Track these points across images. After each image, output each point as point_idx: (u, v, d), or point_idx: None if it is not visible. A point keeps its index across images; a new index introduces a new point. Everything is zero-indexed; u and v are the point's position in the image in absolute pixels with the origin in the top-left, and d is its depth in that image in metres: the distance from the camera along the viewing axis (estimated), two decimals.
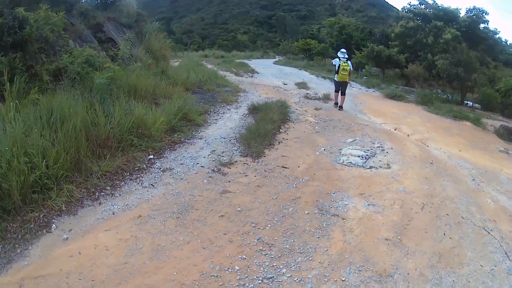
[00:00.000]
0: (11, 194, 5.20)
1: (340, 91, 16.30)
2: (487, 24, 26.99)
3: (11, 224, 5.03)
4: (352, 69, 16.99)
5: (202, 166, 8.00)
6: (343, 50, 16.97)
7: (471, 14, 26.70)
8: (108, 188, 6.49)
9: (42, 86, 7.79)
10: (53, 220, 5.37)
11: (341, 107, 16.20)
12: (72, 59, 8.68)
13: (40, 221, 5.25)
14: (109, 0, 14.85)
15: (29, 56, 7.96)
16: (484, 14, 26.52)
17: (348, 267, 5.20)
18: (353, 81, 24.43)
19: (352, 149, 10.15)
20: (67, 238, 5.14)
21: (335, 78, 16.59)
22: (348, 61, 16.41)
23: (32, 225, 5.13)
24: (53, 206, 5.54)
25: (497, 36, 28.12)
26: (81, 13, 12.46)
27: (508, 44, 39.65)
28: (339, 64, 16.08)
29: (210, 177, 7.57)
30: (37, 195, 5.51)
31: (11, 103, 6.49)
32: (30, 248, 4.84)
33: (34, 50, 8.09)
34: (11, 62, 7.40)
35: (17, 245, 4.81)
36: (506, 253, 6.00)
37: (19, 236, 4.93)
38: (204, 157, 8.46)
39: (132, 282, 4.52)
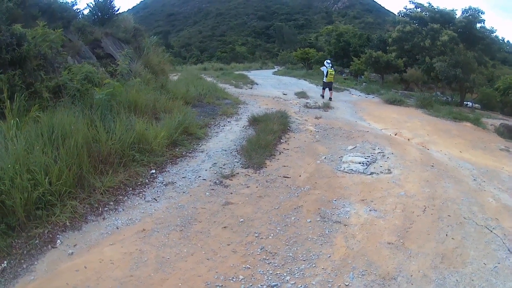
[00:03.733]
0: (15, 210, 5.24)
1: (328, 88, 22.05)
2: (484, 23, 27.03)
3: (16, 240, 5.08)
4: (335, 73, 23.72)
5: (204, 179, 8.04)
6: (328, 60, 23.30)
7: (467, 15, 26.74)
8: (112, 203, 6.52)
9: (42, 103, 7.83)
10: (58, 236, 5.42)
11: (330, 98, 21.38)
12: (71, 75, 8.72)
13: (45, 237, 5.29)
14: (106, 15, 14.86)
15: (28, 73, 8.00)
16: (480, 14, 26.57)
17: (352, 272, 5.23)
18: (352, 88, 27.10)
19: (352, 156, 10.20)
20: (72, 253, 5.17)
21: (324, 80, 22.27)
22: (332, 68, 22.63)
23: (37, 241, 5.17)
24: (57, 222, 5.59)
25: (494, 34, 28.15)
26: (78, 29, 12.51)
27: (505, 42, 39.73)
28: (327, 71, 21.86)
29: (212, 189, 7.61)
30: (41, 211, 5.56)
31: (12, 121, 6.55)
32: (35, 263, 4.88)
33: (33, 67, 8.13)
34: (11, 79, 7.44)
35: (22, 261, 4.85)
36: (509, 250, 6.04)
37: (25, 251, 4.98)
38: (205, 170, 8.50)
39: None
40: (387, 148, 11.13)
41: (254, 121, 12.82)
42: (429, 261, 5.60)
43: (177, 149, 9.34)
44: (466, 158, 11.13)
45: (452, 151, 11.85)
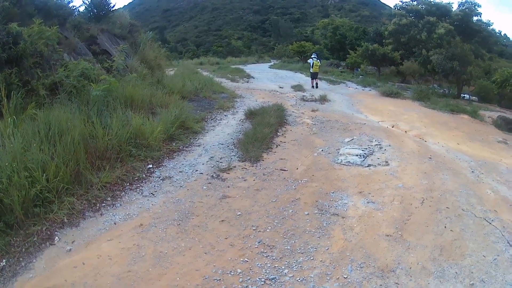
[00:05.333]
0: (13, 208, 5.24)
1: (314, 78, 24.14)
2: (480, 16, 27.12)
3: (14, 238, 5.08)
4: (320, 64, 26.55)
5: (201, 173, 8.04)
6: (315, 54, 26.15)
7: (464, 8, 26.81)
8: (109, 199, 6.53)
9: (39, 100, 7.85)
10: (56, 233, 5.42)
11: (314, 86, 23.68)
12: (67, 72, 8.72)
13: (43, 234, 5.29)
14: (101, 12, 14.81)
15: (25, 71, 8.00)
16: (476, 7, 26.64)
17: (350, 265, 5.24)
18: (349, 80, 27.61)
19: (350, 148, 10.20)
20: (70, 249, 5.18)
21: (311, 71, 24.46)
22: (318, 60, 25.23)
23: (35, 238, 5.17)
24: (55, 219, 5.59)
25: (491, 27, 28.23)
26: (74, 26, 12.46)
27: (502, 35, 39.87)
28: (313, 62, 24.17)
29: (210, 183, 7.61)
30: (39, 208, 5.56)
31: (9, 119, 6.54)
32: (34, 261, 4.88)
33: (29, 65, 8.13)
34: (7, 77, 7.44)
35: (21, 259, 4.85)
36: (508, 242, 6.04)
37: (23, 249, 4.98)
38: (202, 164, 8.50)
39: None
40: (384, 140, 11.13)
41: (251, 114, 12.84)
42: (428, 253, 5.61)
43: (174, 144, 9.36)
44: (464, 150, 11.12)
45: (450, 143, 11.84)
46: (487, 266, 5.41)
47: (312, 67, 24.39)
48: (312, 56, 25.44)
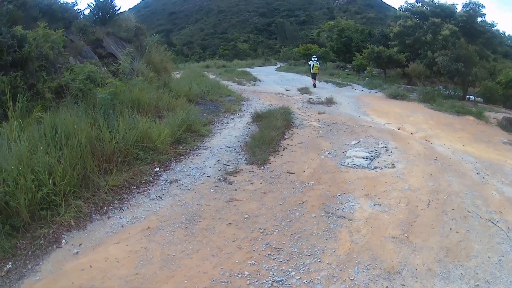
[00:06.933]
0: (19, 211, 5.26)
1: (314, 78, 26.36)
2: (484, 17, 27.18)
3: (21, 241, 5.10)
4: (320, 66, 28.98)
5: (208, 176, 8.05)
6: (314, 56, 28.77)
7: (468, 9, 26.85)
8: (116, 202, 6.54)
9: (45, 104, 7.85)
10: (63, 236, 5.43)
11: (314, 85, 25.52)
12: (73, 76, 8.73)
13: (50, 237, 5.31)
14: (107, 15, 14.79)
15: (30, 74, 8.02)
16: (480, 8, 26.65)
17: (357, 267, 5.24)
18: (355, 83, 28.03)
19: (356, 151, 10.20)
20: (77, 252, 5.19)
21: (311, 71, 26.82)
22: (317, 62, 27.34)
23: (42, 241, 5.19)
24: (62, 222, 5.61)
25: (495, 28, 28.29)
26: (79, 29, 12.45)
27: (507, 35, 39.75)
28: (313, 64, 26.49)
29: (217, 186, 7.62)
30: (46, 211, 5.58)
31: (15, 122, 6.57)
32: (41, 263, 4.89)
33: (34, 68, 8.15)
34: (13, 81, 7.46)
35: (28, 261, 4.87)
36: None
37: (30, 252, 5.00)
38: (210, 167, 8.51)
39: None
40: (391, 143, 11.13)
41: (258, 117, 12.82)
42: (434, 255, 5.61)
43: (181, 147, 9.36)
44: (469, 152, 11.11)
45: (455, 145, 11.83)
46: (492, 267, 5.43)
47: (312, 68, 26.74)
48: (312, 59, 27.81)
